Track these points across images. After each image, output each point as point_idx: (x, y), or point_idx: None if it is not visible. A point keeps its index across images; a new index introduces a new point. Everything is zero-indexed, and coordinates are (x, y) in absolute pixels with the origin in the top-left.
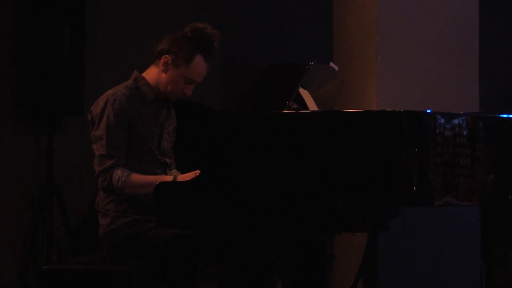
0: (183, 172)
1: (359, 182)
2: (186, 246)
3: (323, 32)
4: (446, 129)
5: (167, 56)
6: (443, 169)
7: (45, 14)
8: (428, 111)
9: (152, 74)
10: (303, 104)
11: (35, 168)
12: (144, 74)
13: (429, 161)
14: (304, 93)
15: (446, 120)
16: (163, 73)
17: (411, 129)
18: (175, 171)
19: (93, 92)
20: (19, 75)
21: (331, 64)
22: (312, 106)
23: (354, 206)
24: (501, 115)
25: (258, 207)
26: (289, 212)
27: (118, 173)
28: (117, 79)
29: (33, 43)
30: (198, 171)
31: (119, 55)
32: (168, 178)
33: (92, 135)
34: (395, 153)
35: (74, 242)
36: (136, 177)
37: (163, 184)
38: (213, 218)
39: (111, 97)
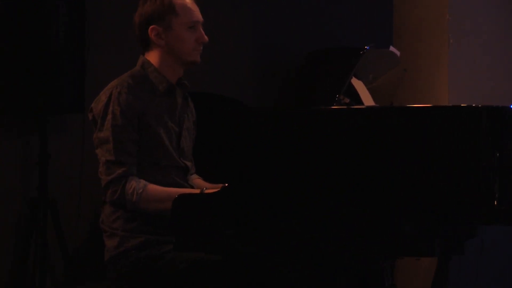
0: (206, 180)
1: (426, 196)
2: (211, 274)
3: (381, 10)
4: None
5: (153, 26)
6: None
7: None
8: None
9: (155, 57)
10: (356, 98)
11: (25, 178)
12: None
13: None
14: (358, 84)
15: None
16: (165, 45)
17: (491, 129)
18: (195, 177)
19: (96, 84)
20: (2, 63)
21: (391, 48)
22: (367, 100)
23: (419, 225)
24: None
25: (300, 226)
26: (339, 233)
27: (133, 184)
28: (126, 68)
29: (22, 24)
30: None
31: (127, 39)
32: (195, 191)
33: (95, 137)
34: (471, 159)
35: (72, 269)
36: (155, 189)
37: (182, 196)
38: (242, 240)
39: (115, 89)
